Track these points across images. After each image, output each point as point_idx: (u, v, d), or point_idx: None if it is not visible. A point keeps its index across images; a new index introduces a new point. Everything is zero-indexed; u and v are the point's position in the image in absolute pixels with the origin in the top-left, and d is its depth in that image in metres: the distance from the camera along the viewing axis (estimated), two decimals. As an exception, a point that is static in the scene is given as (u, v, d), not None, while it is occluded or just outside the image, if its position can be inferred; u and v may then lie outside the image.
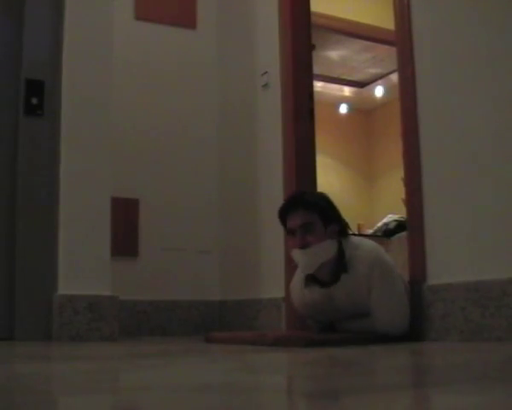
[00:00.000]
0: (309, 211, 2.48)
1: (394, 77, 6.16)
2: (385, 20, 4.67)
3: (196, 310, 4.02)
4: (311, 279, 2.56)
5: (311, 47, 3.58)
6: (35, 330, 2.94)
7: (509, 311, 2.17)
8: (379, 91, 7.76)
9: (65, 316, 2.89)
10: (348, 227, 2.58)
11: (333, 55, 6.82)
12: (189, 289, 4.02)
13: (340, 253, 2.49)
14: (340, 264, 2.48)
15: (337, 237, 2.50)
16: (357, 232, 6.43)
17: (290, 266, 3.32)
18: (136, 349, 2.59)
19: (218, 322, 4.03)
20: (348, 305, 2.49)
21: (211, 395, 1.11)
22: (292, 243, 2.52)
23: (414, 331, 2.49)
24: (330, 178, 7.23)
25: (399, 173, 2.77)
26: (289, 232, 2.53)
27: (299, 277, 2.65)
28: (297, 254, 2.49)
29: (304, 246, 2.45)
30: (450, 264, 2.46)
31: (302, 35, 3.49)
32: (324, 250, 2.47)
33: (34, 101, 3.08)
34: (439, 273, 2.47)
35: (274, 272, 3.49)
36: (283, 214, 2.55)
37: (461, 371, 1.45)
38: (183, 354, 2.28)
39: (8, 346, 2.62)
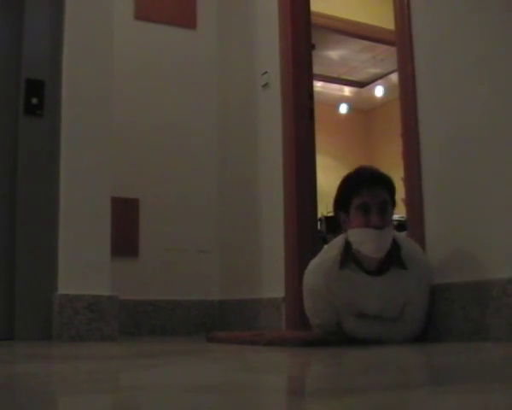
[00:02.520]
0: (384, 189, 2.32)
1: (394, 77, 6.16)
2: (385, 20, 4.66)
3: (196, 310, 4.02)
4: (351, 262, 2.36)
5: (311, 47, 3.58)
6: (35, 330, 2.94)
7: (509, 311, 2.17)
8: (379, 91, 7.76)
9: (65, 316, 2.89)
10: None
11: (333, 55, 6.82)
12: (189, 289, 4.02)
13: (396, 245, 2.34)
14: (394, 256, 2.32)
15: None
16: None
17: (293, 264, 3.33)
18: (136, 349, 2.58)
19: (218, 322, 4.03)
20: (381, 301, 2.34)
21: (211, 395, 1.11)
22: (362, 221, 2.29)
23: (414, 331, 2.49)
24: (330, 178, 7.22)
25: (399, 173, 2.77)
26: (362, 208, 2.29)
27: (325, 258, 2.44)
28: (368, 234, 2.27)
29: (381, 226, 2.27)
30: (451, 264, 2.46)
31: (302, 35, 3.49)
32: (391, 235, 2.32)
33: (34, 101, 3.08)
34: (439, 273, 2.47)
35: (274, 272, 3.49)
36: (355, 187, 2.32)
37: (461, 371, 1.45)
38: (183, 353, 2.28)
39: (8, 346, 2.62)
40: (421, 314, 2.38)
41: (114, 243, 3.10)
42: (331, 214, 2.54)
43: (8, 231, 3.01)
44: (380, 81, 7.61)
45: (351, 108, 8.20)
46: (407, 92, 2.69)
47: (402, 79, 2.75)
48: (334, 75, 7.47)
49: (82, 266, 2.99)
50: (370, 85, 7.75)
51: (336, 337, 2.38)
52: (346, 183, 2.39)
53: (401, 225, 5.41)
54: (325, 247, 2.57)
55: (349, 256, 2.36)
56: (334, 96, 7.94)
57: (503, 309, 2.19)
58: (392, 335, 2.34)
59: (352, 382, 1.30)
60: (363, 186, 2.30)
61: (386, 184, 2.34)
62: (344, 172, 2.50)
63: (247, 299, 3.75)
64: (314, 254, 3.24)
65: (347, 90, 7.97)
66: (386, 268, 2.33)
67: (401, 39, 2.74)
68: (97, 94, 3.15)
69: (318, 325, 2.50)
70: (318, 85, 7.16)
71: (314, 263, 2.50)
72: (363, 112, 8.31)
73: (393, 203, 2.36)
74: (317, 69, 4.28)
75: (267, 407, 1.01)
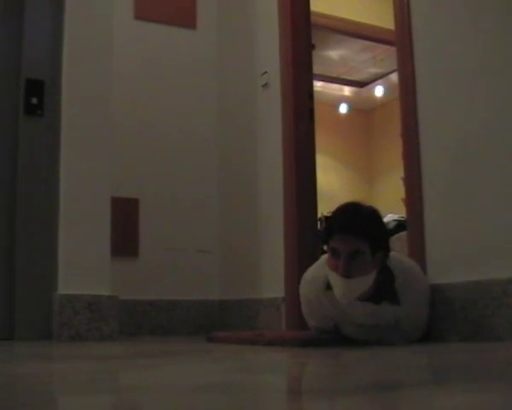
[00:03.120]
0: (359, 239, 2.22)
1: (394, 77, 6.15)
2: (385, 20, 4.67)
3: (196, 310, 4.02)
4: None
5: (311, 47, 3.58)
6: (35, 330, 2.94)
7: (509, 311, 2.17)
8: (379, 91, 7.76)
9: (65, 316, 2.89)
10: (390, 249, 2.35)
11: (333, 54, 6.82)
12: (189, 288, 4.02)
13: (388, 278, 2.27)
14: (386, 290, 2.26)
15: (381, 264, 2.28)
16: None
17: (293, 264, 3.33)
18: (136, 349, 2.58)
19: (218, 322, 4.03)
20: (368, 323, 2.32)
21: (211, 395, 1.11)
22: (333, 264, 2.26)
23: (414, 331, 2.49)
24: (330, 178, 7.23)
25: (399, 173, 2.77)
26: (332, 252, 2.27)
27: (317, 275, 2.42)
28: (336, 280, 2.25)
29: (347, 275, 2.22)
30: (450, 264, 2.46)
31: (302, 35, 3.49)
32: (366, 283, 2.25)
33: (34, 101, 3.08)
34: (439, 273, 2.47)
35: (274, 272, 3.49)
36: (329, 233, 2.29)
37: (461, 371, 1.45)
38: (183, 353, 2.28)
39: (8, 346, 2.62)
40: (419, 325, 2.36)
41: (114, 243, 3.10)
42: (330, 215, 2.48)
43: (8, 231, 3.01)
44: (380, 81, 7.61)
45: (351, 108, 8.20)
46: (407, 92, 2.69)
47: (402, 79, 2.75)
48: (334, 75, 7.47)
49: (82, 266, 2.99)
50: (370, 85, 7.76)
51: (336, 338, 2.37)
52: (330, 219, 2.36)
53: (401, 225, 5.42)
54: (321, 258, 2.52)
55: None
56: (334, 95, 7.94)
57: (503, 309, 2.19)
58: (390, 338, 2.32)
59: (351, 382, 1.30)
60: (339, 230, 2.25)
61: (362, 231, 2.23)
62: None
63: (247, 299, 3.75)
64: (314, 254, 3.25)
65: (347, 90, 7.97)
66: (377, 299, 2.28)
67: (401, 39, 2.74)
68: (97, 94, 3.15)
69: (315, 328, 2.51)
70: (318, 85, 7.16)
71: (311, 274, 2.48)
72: (363, 112, 8.32)
73: (378, 248, 2.25)
74: (316, 69, 4.28)
75: (267, 407, 1.01)
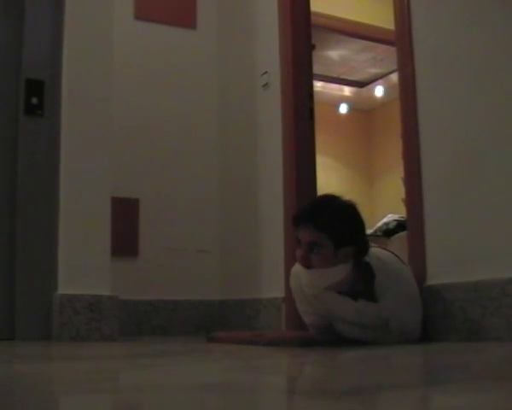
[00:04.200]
0: (319, 231, 2.23)
1: (394, 77, 6.16)
2: (385, 20, 4.66)
3: (196, 310, 4.02)
4: None
5: (311, 47, 3.58)
6: (35, 330, 2.94)
7: (509, 311, 2.17)
8: (379, 91, 7.76)
9: (65, 316, 2.89)
10: (367, 246, 2.33)
11: (333, 54, 6.82)
12: (189, 288, 4.02)
13: (367, 275, 2.26)
14: (366, 287, 2.26)
15: (352, 259, 2.26)
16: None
17: (293, 264, 3.33)
18: (137, 349, 2.58)
19: (218, 322, 4.03)
20: (355, 322, 2.31)
21: (211, 395, 1.11)
22: (297, 254, 2.31)
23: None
24: (330, 178, 7.23)
25: (399, 173, 2.77)
26: (297, 241, 2.31)
27: (300, 269, 2.39)
28: (299, 270, 2.31)
29: (306, 266, 2.26)
30: (450, 264, 2.46)
31: (302, 35, 3.49)
32: (331, 275, 2.24)
33: (34, 100, 3.08)
34: (439, 273, 2.47)
35: (274, 272, 3.49)
36: (295, 222, 2.33)
37: (461, 371, 1.45)
38: (183, 353, 2.28)
39: (8, 346, 2.62)
40: (411, 323, 2.33)
41: (114, 243, 3.10)
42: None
43: (8, 230, 3.01)
44: (380, 81, 7.61)
45: (351, 108, 8.20)
46: (407, 92, 2.69)
47: (402, 79, 2.75)
48: (334, 75, 7.47)
49: (82, 266, 2.99)
50: (370, 85, 7.75)
51: (335, 338, 2.37)
52: (292, 218, 2.39)
53: (401, 225, 5.42)
54: None
55: None
56: (334, 96, 7.94)
57: (503, 309, 2.19)
58: (386, 338, 2.30)
59: (351, 382, 1.30)
60: (300, 222, 2.29)
61: (322, 226, 2.23)
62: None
63: (247, 299, 3.75)
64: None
65: (347, 90, 7.97)
66: (353, 298, 2.28)
67: (401, 39, 2.74)
68: (97, 94, 3.15)
69: (311, 325, 2.50)
70: (318, 85, 7.16)
71: (295, 267, 2.47)
72: (363, 112, 8.31)
73: (340, 242, 2.23)
74: (316, 69, 4.28)
75: (267, 407, 1.01)
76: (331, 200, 2.36)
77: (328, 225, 2.23)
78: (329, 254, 2.23)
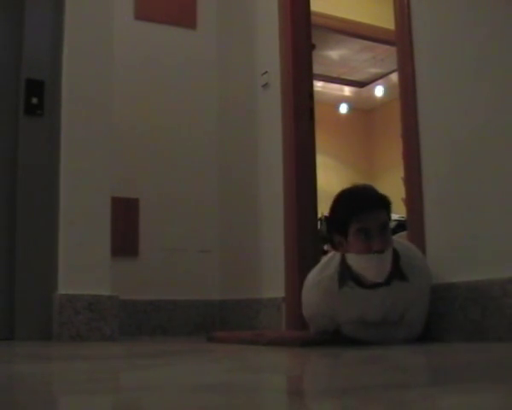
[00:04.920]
0: (383, 210, 2.22)
1: (394, 77, 6.16)
2: (385, 19, 4.66)
3: (196, 310, 4.02)
4: (349, 279, 2.28)
5: (311, 47, 3.58)
6: (35, 330, 2.94)
7: (509, 311, 2.17)
8: (379, 91, 7.76)
9: (65, 316, 2.89)
10: None
11: (333, 54, 6.82)
12: (189, 288, 4.02)
13: (395, 256, 2.26)
14: (395, 268, 2.24)
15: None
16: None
17: (293, 264, 3.33)
18: (137, 349, 2.58)
19: (218, 322, 4.03)
20: (381, 311, 2.30)
21: (211, 395, 1.11)
22: (363, 245, 2.19)
23: (414, 331, 2.49)
24: (330, 178, 7.22)
25: (399, 173, 2.76)
26: (362, 233, 2.19)
27: (323, 275, 2.35)
28: (369, 261, 2.20)
29: (383, 250, 2.18)
30: (450, 264, 2.46)
31: (302, 35, 3.49)
32: (390, 256, 2.22)
33: (34, 101, 3.08)
34: (439, 273, 2.47)
35: (274, 272, 3.49)
36: (354, 210, 2.21)
37: (461, 371, 1.45)
38: (183, 353, 2.28)
39: (8, 346, 2.62)
40: (422, 317, 2.37)
41: (114, 243, 3.11)
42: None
43: (8, 230, 3.01)
44: (380, 81, 7.61)
45: (351, 108, 8.20)
46: (407, 92, 2.69)
47: (402, 79, 2.75)
48: (334, 75, 7.47)
49: (82, 266, 2.99)
50: (370, 85, 7.75)
51: (335, 338, 2.37)
52: (343, 204, 2.27)
53: (401, 225, 5.42)
54: (323, 260, 2.47)
55: (346, 275, 2.29)
56: (334, 95, 7.94)
57: (503, 309, 2.19)
58: (391, 338, 2.32)
59: (351, 382, 1.30)
60: (362, 210, 2.20)
61: (384, 204, 2.25)
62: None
63: (247, 299, 3.75)
64: (314, 254, 3.25)
65: (347, 90, 7.97)
66: (387, 281, 2.26)
67: (401, 39, 2.74)
68: (97, 94, 3.15)
69: (315, 330, 2.49)
70: (318, 85, 7.16)
71: (313, 278, 2.42)
72: (363, 112, 8.31)
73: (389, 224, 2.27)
74: (316, 69, 4.28)
75: (267, 407, 1.01)
76: (363, 186, 2.40)
77: (387, 205, 2.26)
78: (391, 237, 2.25)
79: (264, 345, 2.42)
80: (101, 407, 1.03)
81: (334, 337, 2.38)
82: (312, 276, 2.44)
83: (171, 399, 1.05)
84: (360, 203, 2.23)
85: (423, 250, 2.54)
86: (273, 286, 3.50)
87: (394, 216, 6.01)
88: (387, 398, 1.02)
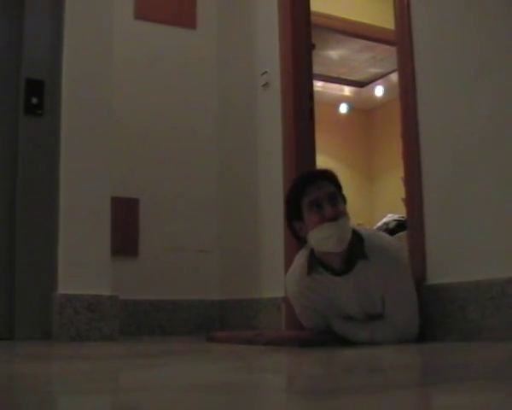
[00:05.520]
0: (329, 183, 2.32)
1: (394, 76, 6.16)
2: (385, 19, 4.67)
3: (196, 310, 4.02)
4: (318, 265, 2.35)
5: (311, 47, 3.58)
6: (35, 330, 2.94)
7: (509, 311, 2.17)
8: (379, 91, 7.77)
9: (65, 316, 2.89)
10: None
11: (333, 54, 6.82)
12: (189, 288, 4.02)
13: (357, 237, 2.31)
14: (358, 250, 2.29)
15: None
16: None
17: (291, 265, 3.33)
18: (136, 349, 2.58)
19: (218, 322, 4.03)
20: (356, 299, 2.32)
21: (211, 395, 1.11)
22: (317, 219, 2.27)
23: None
24: (330, 178, 7.22)
25: (399, 173, 2.77)
26: (313, 205, 2.28)
27: (295, 267, 2.47)
28: (326, 231, 2.25)
29: (336, 217, 2.24)
30: (450, 264, 2.46)
31: (302, 35, 3.49)
32: (349, 225, 2.29)
33: (34, 100, 3.08)
34: (439, 273, 2.47)
35: (274, 272, 3.49)
36: (301, 189, 2.32)
37: (461, 371, 1.45)
38: (183, 353, 2.28)
39: (8, 346, 2.62)
40: (405, 308, 2.33)
41: (114, 243, 3.11)
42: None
43: (8, 230, 3.01)
44: (380, 81, 7.61)
45: (351, 108, 8.20)
46: (407, 92, 2.69)
47: (402, 79, 2.75)
48: (334, 75, 7.47)
49: (82, 266, 2.99)
50: (370, 85, 7.76)
51: (335, 338, 2.37)
52: (291, 190, 2.39)
53: (401, 225, 5.42)
54: (295, 257, 2.54)
55: (314, 261, 2.36)
56: (334, 95, 7.94)
57: (503, 309, 2.19)
58: (382, 333, 2.30)
59: (351, 382, 1.30)
60: (308, 184, 2.31)
61: (328, 177, 2.34)
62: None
63: (247, 299, 3.75)
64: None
65: (347, 90, 7.97)
66: (352, 265, 2.31)
67: (401, 39, 2.74)
68: (97, 94, 3.15)
69: (310, 329, 2.51)
70: (318, 85, 7.16)
71: (288, 272, 2.54)
72: (363, 112, 8.32)
73: (343, 197, 2.35)
74: (316, 69, 4.28)
75: (267, 407, 1.01)
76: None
77: (335, 177, 2.36)
78: (342, 205, 2.32)
79: (264, 345, 2.42)
80: (101, 407, 1.03)
81: (332, 337, 2.38)
82: (288, 273, 2.56)
83: (171, 399, 1.05)
84: (304, 179, 2.36)
85: (423, 250, 2.54)
86: (273, 286, 3.50)
87: (394, 216, 6.03)
88: (387, 398, 1.02)
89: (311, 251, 2.39)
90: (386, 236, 2.50)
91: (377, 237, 2.42)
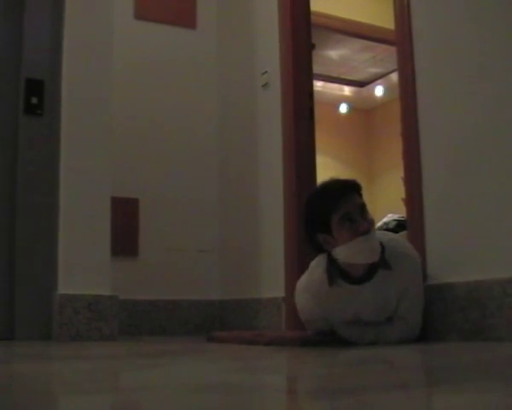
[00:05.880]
0: (357, 194, 2.26)
1: (394, 76, 6.16)
2: (385, 19, 4.66)
3: (196, 310, 4.02)
4: (338, 277, 2.29)
5: (311, 46, 3.58)
6: (35, 330, 2.94)
7: (509, 311, 2.17)
8: (379, 91, 7.76)
9: (65, 316, 2.89)
10: None
11: (333, 54, 6.82)
12: (189, 288, 4.02)
13: (381, 247, 2.27)
14: (380, 258, 2.24)
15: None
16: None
17: (293, 264, 3.33)
18: (136, 349, 2.58)
19: (218, 322, 4.03)
20: (373, 306, 2.30)
21: (211, 395, 1.11)
22: (350, 231, 2.20)
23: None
24: (330, 178, 7.22)
25: (399, 173, 2.76)
26: (345, 219, 2.20)
27: (312, 279, 2.39)
28: (362, 243, 2.20)
29: (369, 229, 2.20)
30: (451, 264, 2.46)
31: (302, 35, 3.49)
32: (377, 237, 2.26)
33: (34, 100, 3.08)
34: (439, 273, 2.47)
35: (274, 271, 3.49)
36: (331, 202, 2.23)
37: (461, 371, 1.45)
38: (183, 353, 2.28)
39: (8, 346, 2.62)
40: (416, 310, 2.34)
41: (114, 243, 3.10)
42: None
43: (8, 230, 3.01)
44: (380, 81, 7.61)
45: (351, 108, 8.19)
46: (407, 92, 2.69)
47: (402, 79, 2.75)
48: (334, 75, 7.47)
49: (82, 266, 2.99)
50: (370, 85, 7.75)
51: (335, 338, 2.37)
52: (317, 202, 2.29)
53: (401, 225, 5.42)
54: (311, 264, 2.47)
55: (335, 273, 2.31)
56: (334, 95, 7.94)
57: (503, 309, 2.19)
58: (387, 337, 2.30)
59: (351, 382, 1.30)
60: (338, 198, 2.22)
61: (353, 187, 2.28)
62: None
63: (247, 299, 3.75)
64: (314, 254, 3.24)
65: (347, 90, 7.97)
66: (373, 272, 2.27)
67: (401, 39, 2.74)
68: (97, 94, 3.15)
69: (312, 331, 2.50)
70: (318, 85, 7.16)
71: (303, 282, 2.46)
72: (363, 111, 8.31)
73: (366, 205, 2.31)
74: (316, 69, 4.28)
75: (267, 407, 1.01)
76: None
77: (359, 189, 2.29)
78: (371, 217, 2.27)
79: (264, 345, 2.42)
80: (101, 407, 1.03)
81: (333, 337, 2.37)
82: (302, 280, 2.47)
83: (171, 399, 1.05)
84: (334, 193, 2.25)
85: (423, 250, 2.54)
86: (273, 286, 3.50)
87: (394, 216, 6.02)
88: (388, 398, 1.02)
89: (330, 261, 2.31)
90: (400, 239, 2.44)
91: (395, 243, 2.36)
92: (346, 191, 2.25)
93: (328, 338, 2.37)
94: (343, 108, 8.21)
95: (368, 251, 2.22)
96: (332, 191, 2.27)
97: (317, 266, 2.39)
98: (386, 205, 6.97)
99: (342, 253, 2.24)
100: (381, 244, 2.28)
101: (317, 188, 2.40)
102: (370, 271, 2.27)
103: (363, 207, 2.24)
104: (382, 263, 2.26)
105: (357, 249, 2.21)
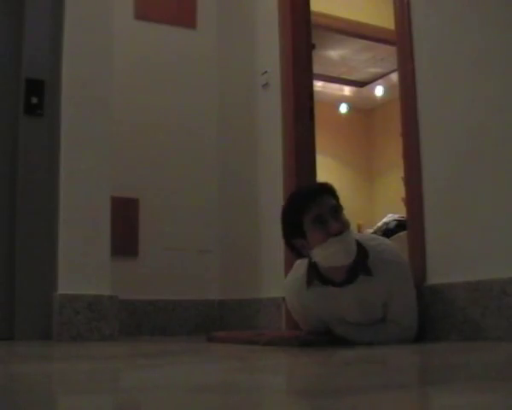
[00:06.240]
0: (329, 196, 2.24)
1: (394, 76, 6.16)
2: (385, 19, 4.67)
3: (196, 310, 4.02)
4: (317, 278, 2.31)
5: (311, 46, 3.58)
6: (35, 330, 2.94)
7: (509, 311, 2.17)
8: (379, 91, 7.76)
9: (65, 316, 2.89)
10: None
11: (333, 54, 6.82)
12: (189, 288, 4.02)
13: (361, 250, 2.25)
14: (361, 263, 2.24)
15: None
16: (357, 232, 6.41)
17: (292, 264, 3.32)
18: (136, 349, 2.58)
19: (218, 322, 4.03)
20: (357, 309, 2.30)
21: (211, 395, 1.11)
22: (321, 235, 2.18)
23: (414, 331, 2.49)
24: (330, 178, 7.21)
25: (399, 173, 2.76)
26: (317, 221, 2.20)
27: (295, 277, 2.43)
28: (331, 246, 2.18)
29: (341, 230, 2.17)
30: (450, 264, 2.46)
31: (302, 34, 3.49)
32: (353, 237, 2.24)
33: (34, 100, 3.08)
34: (439, 273, 2.47)
35: (274, 271, 3.49)
36: (301, 206, 2.23)
37: (461, 371, 1.45)
38: (183, 353, 2.28)
39: (8, 346, 2.62)
40: (409, 315, 2.33)
41: (114, 243, 3.11)
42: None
43: (8, 231, 3.01)
44: (380, 81, 7.61)
45: (351, 108, 8.19)
46: (407, 92, 2.69)
47: (402, 79, 2.75)
48: (334, 75, 7.47)
49: (82, 266, 2.99)
50: (370, 85, 7.75)
51: (335, 338, 2.37)
52: (290, 207, 2.30)
53: (401, 225, 5.42)
54: (296, 262, 2.49)
55: (314, 275, 2.32)
56: (334, 95, 7.94)
57: (503, 309, 2.19)
58: (383, 337, 2.30)
59: (351, 382, 1.30)
60: (309, 201, 2.22)
61: (327, 191, 2.27)
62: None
63: (247, 299, 3.75)
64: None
65: (347, 90, 7.97)
66: (354, 276, 2.26)
67: (401, 39, 2.74)
68: (97, 94, 3.15)
69: (309, 331, 2.50)
70: (318, 85, 7.16)
71: (287, 280, 2.52)
72: (363, 111, 8.31)
73: (341, 207, 2.27)
74: (316, 69, 4.28)
75: (267, 407, 1.01)
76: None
77: (332, 191, 2.28)
78: (345, 218, 2.24)
79: (264, 345, 2.42)
80: (101, 407, 1.03)
81: (331, 337, 2.37)
82: (287, 277, 2.53)
83: (171, 399, 1.05)
84: (304, 196, 2.26)
85: (423, 250, 2.54)
86: (273, 286, 3.50)
87: (394, 216, 6.02)
88: (387, 398, 1.02)
89: (310, 264, 2.33)
90: (390, 245, 2.42)
91: (382, 248, 2.34)
92: (316, 194, 2.24)
93: (325, 338, 2.37)
94: (343, 108, 8.21)
95: (341, 252, 2.20)
96: (303, 195, 2.29)
97: (300, 266, 2.43)
98: (386, 205, 6.97)
99: (318, 255, 2.24)
100: (365, 249, 2.27)
101: (290, 194, 2.42)
102: (351, 275, 2.26)
103: (336, 209, 2.22)
104: (364, 270, 2.25)
105: (330, 251, 2.20)
